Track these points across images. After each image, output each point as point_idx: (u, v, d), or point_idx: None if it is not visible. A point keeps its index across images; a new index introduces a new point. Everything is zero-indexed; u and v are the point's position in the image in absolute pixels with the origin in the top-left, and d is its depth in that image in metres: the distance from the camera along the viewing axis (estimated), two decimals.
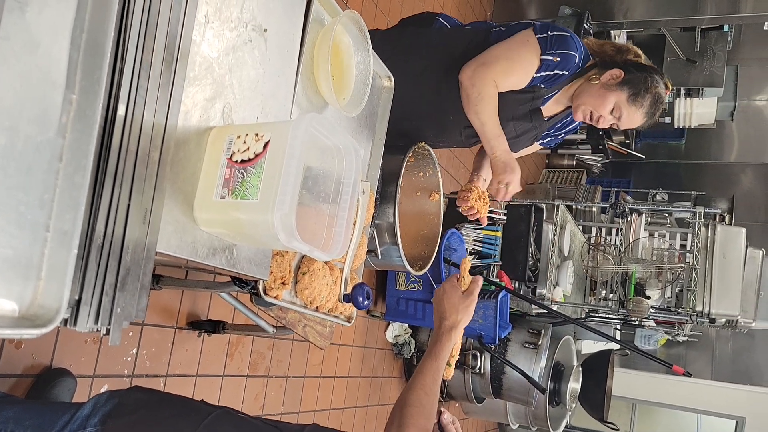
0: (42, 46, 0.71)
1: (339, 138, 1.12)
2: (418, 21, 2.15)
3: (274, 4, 1.24)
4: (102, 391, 2.11)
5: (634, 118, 1.88)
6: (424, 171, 2.27)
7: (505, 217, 4.16)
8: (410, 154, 2.09)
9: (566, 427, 5.19)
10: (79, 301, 0.82)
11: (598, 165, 7.60)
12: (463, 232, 4.03)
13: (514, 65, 1.84)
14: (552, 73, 1.85)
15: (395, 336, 4.31)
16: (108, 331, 0.86)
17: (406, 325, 4.33)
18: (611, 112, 1.86)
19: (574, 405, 4.90)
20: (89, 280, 0.83)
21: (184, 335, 2.49)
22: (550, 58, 1.82)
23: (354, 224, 1.38)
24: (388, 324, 4.25)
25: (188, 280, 2.14)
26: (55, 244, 0.74)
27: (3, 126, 0.67)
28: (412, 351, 4.35)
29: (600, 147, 7.10)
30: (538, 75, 1.85)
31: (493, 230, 4.18)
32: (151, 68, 0.92)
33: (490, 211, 4.12)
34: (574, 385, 4.80)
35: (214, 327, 2.53)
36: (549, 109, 1.99)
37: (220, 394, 2.73)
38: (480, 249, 4.15)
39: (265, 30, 1.20)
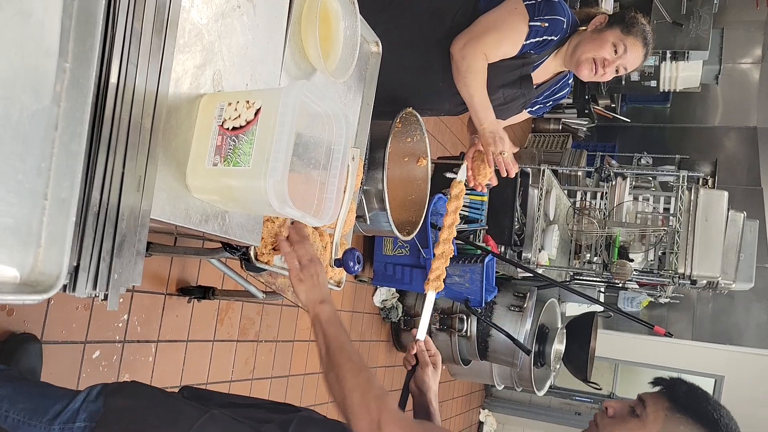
0: (34, 15, 0.71)
1: (329, 105, 1.13)
2: None
3: None
4: (95, 356, 2.14)
5: (636, 49, 1.88)
6: (412, 136, 2.28)
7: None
8: (398, 120, 2.10)
9: (550, 387, 5.31)
10: (77, 268, 0.83)
11: (584, 129, 7.63)
12: None
13: (504, 36, 1.85)
14: (541, 39, 1.86)
15: (383, 300, 4.36)
16: (106, 297, 0.88)
17: (394, 289, 4.38)
18: (615, 52, 1.87)
19: (558, 366, 5.01)
20: (86, 246, 0.85)
21: (174, 301, 2.51)
22: (539, 24, 1.83)
23: (344, 190, 1.40)
24: (376, 289, 4.30)
25: (178, 246, 2.15)
26: (54, 211, 0.75)
27: None
28: (400, 315, 4.41)
29: (586, 111, 7.12)
30: (528, 42, 1.86)
31: (480, 195, 4.21)
32: (142, 35, 0.92)
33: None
34: (558, 346, 4.90)
35: (204, 293, 2.55)
36: (538, 76, 2.00)
37: (211, 359, 2.76)
38: (466, 214, 4.18)
39: None
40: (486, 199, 4.22)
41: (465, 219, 4.19)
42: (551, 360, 4.82)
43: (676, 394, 1.17)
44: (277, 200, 0.98)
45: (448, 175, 4.09)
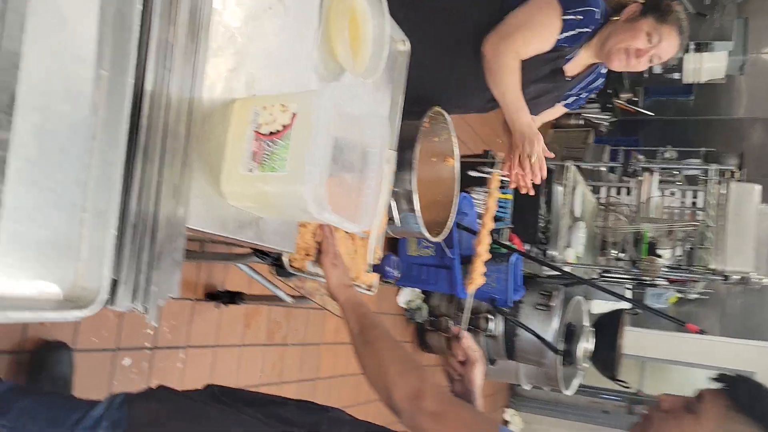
0: (71, 21, 0.69)
1: (364, 106, 1.10)
2: None
3: None
4: (125, 364, 2.13)
5: (671, 39, 1.83)
6: (439, 136, 2.24)
7: None
8: (425, 120, 2.06)
9: (580, 386, 5.24)
10: (116, 281, 0.81)
11: (606, 124, 7.52)
12: (474, 196, 4.01)
13: (536, 33, 1.80)
14: (575, 32, 1.81)
15: (407, 301, 4.33)
16: (146, 309, 0.86)
17: (418, 290, 4.34)
18: (649, 41, 1.82)
19: (586, 364, 4.94)
20: (125, 258, 0.82)
21: (203, 306, 2.50)
22: (572, 17, 1.78)
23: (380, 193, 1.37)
24: (400, 289, 4.26)
25: (206, 252, 2.14)
26: (93, 224, 0.73)
27: (36, 105, 0.66)
28: (425, 316, 4.37)
29: (608, 105, 7.02)
30: (562, 36, 1.82)
31: (504, 193, 4.16)
32: (176, 40, 0.89)
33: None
34: (586, 345, 4.82)
35: (232, 298, 2.54)
36: (571, 68, 1.95)
37: (239, 363, 2.75)
38: None
39: None
40: (510, 197, 4.17)
41: None
42: (579, 358, 4.75)
43: (738, 392, 1.10)
44: (315, 206, 0.95)
45: (472, 173, 4.05)
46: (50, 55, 0.67)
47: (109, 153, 0.74)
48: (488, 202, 1.66)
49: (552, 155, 1.85)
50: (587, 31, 1.84)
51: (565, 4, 1.78)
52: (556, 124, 7.64)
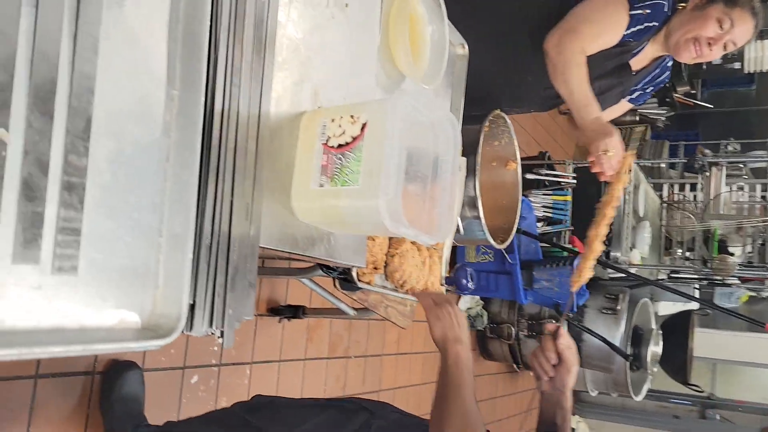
0: (142, 42, 0.67)
1: (435, 113, 1.05)
2: None
3: None
4: (193, 381, 2.13)
5: (744, 22, 1.71)
6: (500, 139, 2.18)
7: (575, 181, 4.02)
8: (485, 123, 2.00)
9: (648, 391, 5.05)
10: (193, 306, 0.78)
11: (663, 119, 7.27)
12: (532, 199, 3.91)
13: (602, 28, 1.72)
14: (643, 26, 1.72)
15: (467, 309, 4.25)
16: (222, 334, 0.83)
17: (478, 297, 4.26)
18: (720, 27, 1.71)
19: (655, 369, 4.76)
20: (201, 282, 0.80)
21: (266, 322, 2.49)
22: (640, 12, 1.69)
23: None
24: (459, 297, 4.19)
25: (269, 267, 2.13)
26: (170, 248, 0.71)
27: (111, 130, 0.63)
28: (485, 323, 4.29)
29: (667, 99, 6.79)
30: (628, 31, 1.73)
31: (563, 195, 4.05)
32: (243, 55, 0.86)
33: (557, 175, 4.02)
34: (654, 348, 4.65)
35: (294, 312, 2.52)
36: (637, 62, 1.86)
37: (303, 377, 2.73)
38: (550, 215, 4.03)
39: (347, 5, 1.14)
40: (569, 198, 4.06)
41: (549, 221, 4.03)
42: (648, 363, 4.58)
43: None
44: (390, 219, 0.91)
45: (529, 176, 3.95)
46: (124, 76, 0.65)
47: (183, 174, 0.72)
48: (614, 188, 1.55)
49: (632, 152, 1.76)
50: (655, 25, 1.75)
51: None
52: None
